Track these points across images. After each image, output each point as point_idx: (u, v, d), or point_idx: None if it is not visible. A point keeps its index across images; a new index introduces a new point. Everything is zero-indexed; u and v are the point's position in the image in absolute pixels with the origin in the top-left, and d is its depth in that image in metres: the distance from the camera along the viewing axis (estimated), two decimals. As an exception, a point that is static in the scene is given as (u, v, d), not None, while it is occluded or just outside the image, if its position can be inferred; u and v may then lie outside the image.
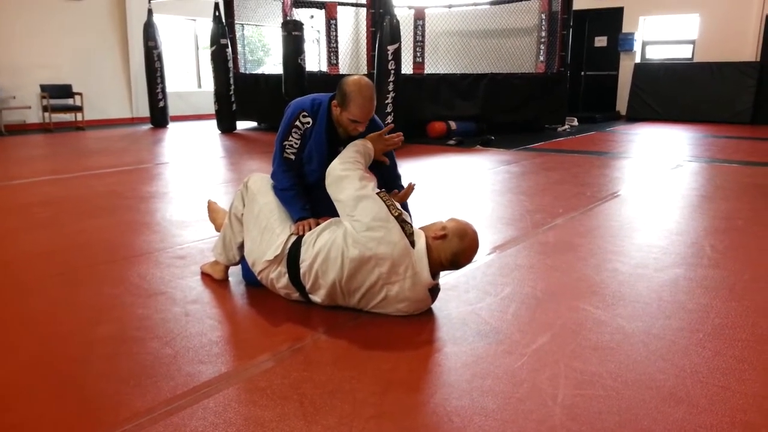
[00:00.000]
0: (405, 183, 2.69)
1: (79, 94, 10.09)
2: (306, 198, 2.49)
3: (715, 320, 2.32)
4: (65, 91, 10.08)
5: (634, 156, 7.05)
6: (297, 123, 2.47)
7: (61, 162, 6.75)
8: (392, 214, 2.20)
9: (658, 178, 5.53)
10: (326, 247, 2.23)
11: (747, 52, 10.73)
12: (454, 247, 2.20)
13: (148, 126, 10.52)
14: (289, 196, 2.47)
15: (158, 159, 6.94)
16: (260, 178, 2.62)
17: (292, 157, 2.50)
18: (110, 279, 2.80)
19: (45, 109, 9.84)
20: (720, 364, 1.97)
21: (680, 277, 2.81)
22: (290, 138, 2.48)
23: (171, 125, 10.63)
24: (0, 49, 9.48)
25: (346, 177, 2.30)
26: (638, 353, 2.04)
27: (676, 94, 11.25)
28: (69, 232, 3.62)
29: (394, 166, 2.69)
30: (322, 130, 2.47)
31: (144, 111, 10.88)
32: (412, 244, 2.20)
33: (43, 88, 9.83)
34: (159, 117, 10.42)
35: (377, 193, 2.26)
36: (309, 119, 2.47)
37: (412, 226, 2.26)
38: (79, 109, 10.10)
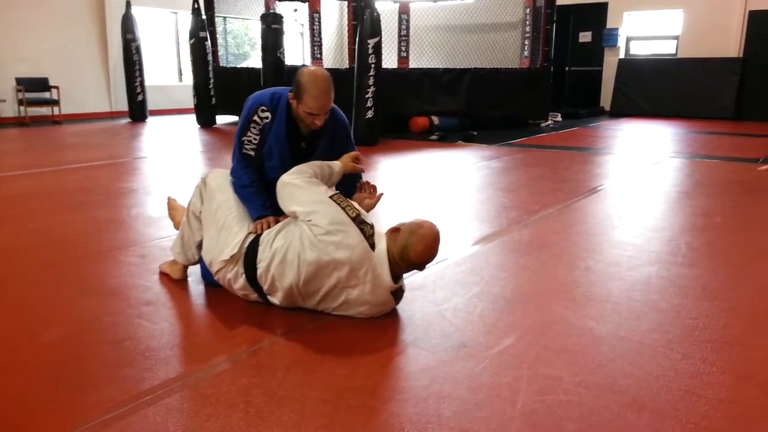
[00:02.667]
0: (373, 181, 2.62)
1: (56, 87, 9.89)
2: (266, 195, 2.40)
3: (686, 321, 2.26)
4: (41, 84, 9.88)
5: (616, 152, 7.01)
6: (255, 118, 2.37)
7: (34, 156, 6.59)
8: (349, 215, 2.11)
9: (638, 174, 5.48)
10: (283, 248, 2.14)
11: (730, 47, 10.72)
12: (404, 241, 2.10)
13: (127, 120, 10.34)
14: (248, 193, 2.37)
15: (134, 154, 6.80)
16: (219, 174, 2.52)
17: (252, 153, 2.41)
18: (67, 279, 2.69)
19: (20, 102, 9.64)
20: (687, 367, 1.90)
21: (653, 276, 2.75)
22: (249, 133, 2.39)
23: (150, 119, 10.46)
24: (-27, 41, 9.27)
25: (297, 187, 2.20)
26: (604, 356, 1.97)
27: (660, 89, 11.23)
28: (31, 229, 3.50)
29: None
30: (282, 125, 2.37)
31: (123, 105, 10.68)
32: (372, 246, 2.11)
33: (19, 81, 9.62)
34: (137, 111, 10.24)
35: (331, 197, 2.16)
36: (268, 114, 2.37)
37: (372, 227, 2.16)
38: (56, 102, 9.91)
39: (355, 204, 2.24)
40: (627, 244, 3.26)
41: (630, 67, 11.66)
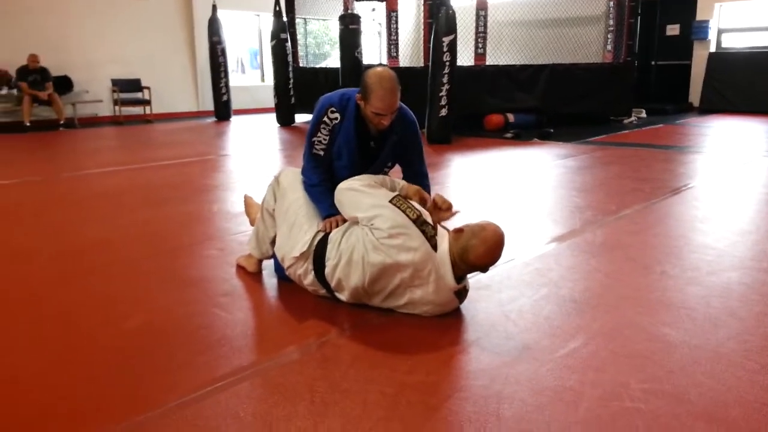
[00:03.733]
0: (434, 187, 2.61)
1: (148, 88, 10.49)
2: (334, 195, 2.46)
3: (767, 331, 2.14)
4: (134, 85, 10.50)
5: (703, 150, 6.67)
6: (325, 119, 2.44)
7: (126, 154, 7.03)
8: (410, 217, 2.13)
9: (726, 175, 5.20)
10: (348, 250, 2.20)
11: (837, 38, 9.93)
12: (465, 243, 2.10)
13: (212, 119, 10.82)
14: (318, 192, 2.45)
15: (218, 151, 7.12)
16: (291, 173, 2.61)
17: (321, 153, 2.48)
18: (150, 271, 2.87)
19: (116, 102, 10.29)
20: (765, 379, 1.81)
21: (734, 282, 2.62)
22: (319, 134, 2.46)
23: (234, 118, 10.89)
24: (74, 46, 9.97)
25: (357, 191, 2.24)
26: (675, 364, 1.91)
27: (755, 84, 10.54)
28: (120, 225, 3.75)
29: (420, 161, 2.61)
30: (351, 125, 2.43)
31: (209, 105, 11.20)
32: (434, 247, 2.13)
33: (114, 82, 10.28)
34: (222, 110, 10.69)
35: (391, 200, 2.18)
36: (337, 115, 2.43)
37: (434, 228, 2.18)
38: (148, 102, 10.51)
39: (416, 205, 2.25)
40: (709, 247, 3.11)
41: (722, 60, 11.02)
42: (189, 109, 11.56)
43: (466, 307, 2.32)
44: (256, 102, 12.32)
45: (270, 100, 10.87)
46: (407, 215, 2.14)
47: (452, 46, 7.08)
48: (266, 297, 2.56)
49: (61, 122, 9.26)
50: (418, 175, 2.60)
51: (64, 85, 9.62)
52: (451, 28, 7.05)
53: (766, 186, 4.71)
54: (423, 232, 2.12)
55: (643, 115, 10.16)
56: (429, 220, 2.19)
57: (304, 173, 2.52)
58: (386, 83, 2.33)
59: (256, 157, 6.62)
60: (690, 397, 1.72)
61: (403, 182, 2.42)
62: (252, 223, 2.96)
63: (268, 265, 2.79)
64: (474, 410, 1.65)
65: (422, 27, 10.82)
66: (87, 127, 9.63)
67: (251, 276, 2.74)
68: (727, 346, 2.03)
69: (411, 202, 2.24)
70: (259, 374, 1.86)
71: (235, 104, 11.06)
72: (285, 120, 9.85)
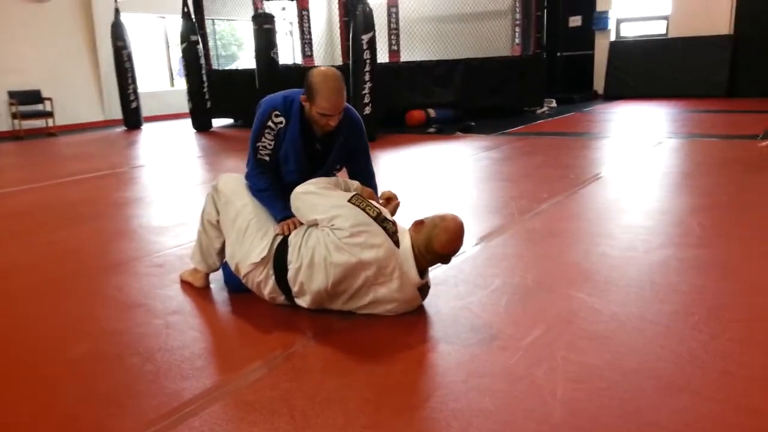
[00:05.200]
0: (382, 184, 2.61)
1: (49, 99, 9.82)
2: (284, 198, 2.40)
3: (710, 301, 2.28)
4: (34, 96, 9.80)
5: (613, 135, 7.04)
6: (270, 123, 2.36)
7: (32, 171, 6.56)
8: (370, 215, 2.12)
9: (638, 157, 5.51)
10: (309, 251, 2.15)
11: (721, 25, 10.75)
12: (428, 233, 2.12)
13: (122, 128, 10.29)
14: (267, 196, 2.38)
15: (132, 162, 6.78)
16: (231, 180, 2.51)
17: (267, 158, 2.40)
18: (85, 292, 2.69)
19: (14, 116, 9.57)
20: (718, 347, 1.93)
21: (671, 258, 2.77)
22: (263, 139, 2.38)
23: (145, 126, 10.41)
24: (-38, 56, 9.19)
25: (313, 194, 2.22)
26: (635, 341, 1.99)
27: (652, 70, 11.26)
28: (41, 244, 3.49)
29: (366, 161, 2.60)
30: (296, 129, 2.37)
31: (116, 113, 10.62)
32: (396, 243, 2.13)
33: (11, 94, 9.55)
34: (132, 118, 10.19)
35: (349, 200, 2.17)
36: (282, 118, 2.36)
37: (394, 224, 2.18)
38: (50, 114, 9.83)
39: (375, 203, 2.25)
40: (639, 227, 3.28)
41: (621, 49, 11.69)
42: (95, 118, 10.93)
43: (427, 304, 2.33)
44: (166, 107, 11.83)
45: (181, 105, 10.49)
46: (367, 213, 2.12)
47: (372, 44, 7.09)
48: (220, 312, 2.46)
49: (-48, 140, 8.52)
50: (365, 175, 2.58)
51: (-48, 99, 8.85)
52: (369, 25, 7.06)
53: (677, 165, 5.04)
54: (384, 228, 2.11)
55: (554, 104, 10.59)
56: (389, 217, 2.18)
57: (249, 179, 2.43)
58: (332, 82, 2.29)
59: (174, 167, 6.35)
60: (655, 372, 1.80)
61: (356, 183, 2.39)
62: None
63: (216, 278, 2.68)
64: (457, 407, 1.65)
65: (336, 25, 10.79)
66: (-18, 144, 8.91)
67: (199, 291, 2.61)
68: (676, 319, 2.14)
69: (370, 201, 2.22)
70: (230, 394, 1.78)
71: (144, 111, 10.55)
72: (202, 125, 9.52)
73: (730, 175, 4.53)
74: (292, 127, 2.39)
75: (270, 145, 2.41)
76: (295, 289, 2.22)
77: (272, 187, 2.41)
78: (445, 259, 2.20)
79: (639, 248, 2.93)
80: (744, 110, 8.73)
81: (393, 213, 2.40)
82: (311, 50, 11.71)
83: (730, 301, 2.28)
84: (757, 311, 2.18)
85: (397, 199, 2.47)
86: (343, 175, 2.53)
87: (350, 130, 2.52)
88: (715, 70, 10.70)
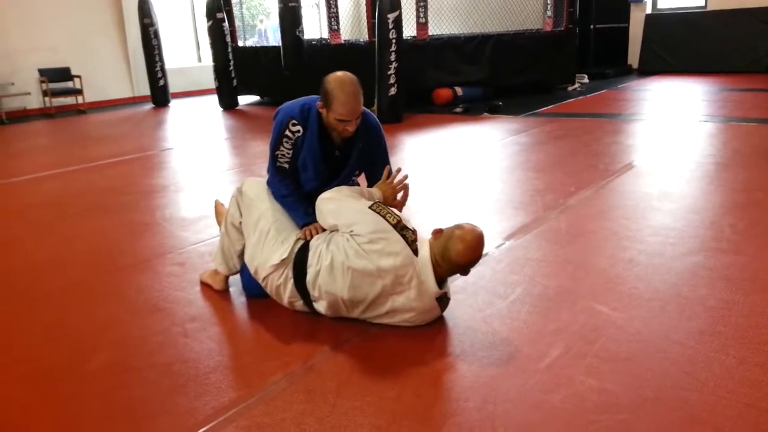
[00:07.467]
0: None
1: (78, 76, 9.92)
2: (307, 203, 2.38)
3: (738, 320, 2.20)
4: (64, 74, 9.91)
5: (647, 117, 6.82)
6: (287, 132, 2.33)
7: (62, 153, 6.66)
8: (390, 222, 2.11)
9: (672, 144, 5.33)
10: (328, 257, 2.15)
11: (763, -4, 10.28)
12: (445, 241, 2.09)
13: (150, 105, 10.36)
14: (290, 202, 2.37)
15: (161, 145, 6.82)
16: (256, 183, 2.52)
17: (286, 166, 2.39)
18: (107, 295, 2.72)
19: (45, 93, 9.70)
20: (744, 374, 1.86)
21: (699, 267, 2.68)
22: (281, 148, 2.36)
23: (172, 103, 10.46)
24: (-6, 35, 9.31)
25: (336, 201, 2.23)
26: (658, 365, 1.93)
27: (690, 44, 10.85)
28: (67, 237, 3.55)
29: (385, 166, 2.53)
30: (314, 137, 2.34)
31: (144, 89, 10.69)
32: (415, 252, 2.10)
33: (42, 72, 9.67)
34: (160, 95, 10.24)
35: (370, 207, 2.16)
36: (299, 127, 2.33)
37: (414, 233, 2.15)
38: (79, 92, 9.95)
39: (396, 210, 2.23)
40: (669, 229, 3.18)
41: (658, 22, 11.28)
42: (124, 95, 11.03)
43: (445, 315, 2.30)
44: (194, 84, 11.86)
45: (209, 82, 10.48)
46: (387, 220, 2.12)
47: (398, 23, 6.95)
48: (238, 319, 2.46)
49: (-13, 118, 8.68)
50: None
51: (-15, 78, 9.00)
52: (395, 4, 6.90)
53: (712, 155, 4.86)
54: (403, 236, 2.09)
55: (586, 80, 10.31)
56: (409, 225, 2.16)
57: (270, 185, 2.42)
58: (348, 87, 2.24)
59: (202, 150, 6.37)
60: (677, 402, 1.74)
61: (379, 192, 2.37)
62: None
63: (235, 281, 2.68)
64: (470, 438, 1.63)
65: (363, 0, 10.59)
66: (16, 122, 9.06)
67: (219, 295, 2.63)
68: (702, 340, 2.07)
69: (390, 208, 2.20)
70: (243, 414, 1.78)
71: (172, 87, 10.59)
72: (228, 103, 9.52)
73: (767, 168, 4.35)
74: (309, 135, 2.36)
75: (288, 153, 2.39)
76: (314, 293, 2.22)
77: (294, 193, 2.40)
78: (464, 270, 2.16)
79: (667, 254, 2.84)
80: (786, 89, 8.37)
81: (404, 200, 2.45)
82: (338, 24, 11.53)
83: (759, 320, 2.20)
84: (788, 332, 2.10)
85: (406, 190, 2.46)
86: (362, 181, 2.49)
87: (369, 135, 2.46)
88: (757, 44, 10.26)
